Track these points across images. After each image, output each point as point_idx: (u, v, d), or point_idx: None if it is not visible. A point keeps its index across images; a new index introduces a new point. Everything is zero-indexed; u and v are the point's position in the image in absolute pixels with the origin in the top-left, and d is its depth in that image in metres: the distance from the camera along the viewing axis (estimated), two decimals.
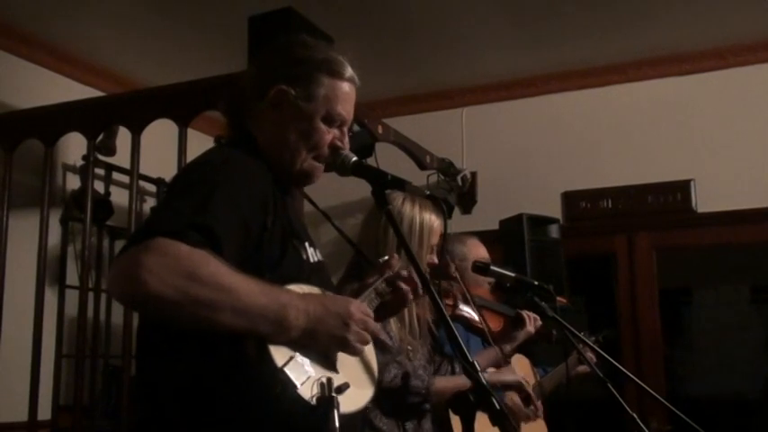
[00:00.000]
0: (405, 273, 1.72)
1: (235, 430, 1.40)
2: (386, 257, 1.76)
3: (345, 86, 1.72)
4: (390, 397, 2.14)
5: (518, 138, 4.93)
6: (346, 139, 1.72)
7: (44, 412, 3.67)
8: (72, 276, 4.17)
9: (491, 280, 3.04)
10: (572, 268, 4.38)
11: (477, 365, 1.42)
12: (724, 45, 4.44)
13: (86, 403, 3.63)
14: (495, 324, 2.90)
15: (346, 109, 1.71)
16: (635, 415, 2.08)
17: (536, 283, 2.51)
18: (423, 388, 2.20)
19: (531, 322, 2.88)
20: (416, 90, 5.06)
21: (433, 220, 2.34)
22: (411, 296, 1.72)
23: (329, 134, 1.68)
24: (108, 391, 4.03)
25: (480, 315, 2.70)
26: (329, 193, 4.28)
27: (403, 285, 1.70)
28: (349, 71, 1.73)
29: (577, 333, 2.44)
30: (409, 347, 2.30)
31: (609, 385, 2.15)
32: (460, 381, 2.31)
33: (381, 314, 1.65)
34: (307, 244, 1.63)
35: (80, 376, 3.50)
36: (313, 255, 1.64)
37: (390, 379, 2.14)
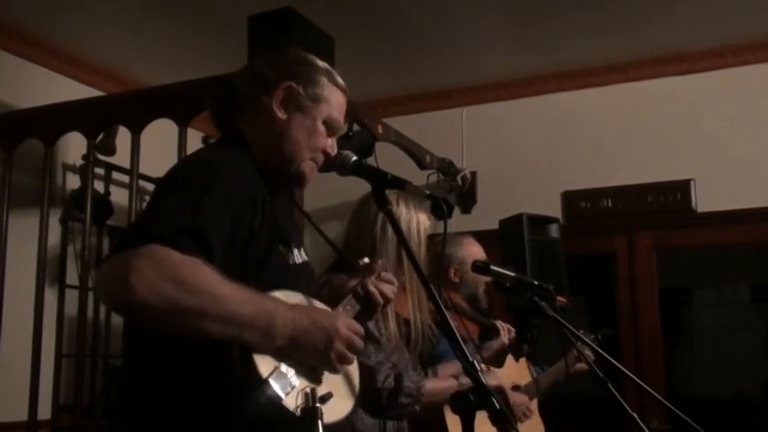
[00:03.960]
0: (384, 276, 1.74)
1: None
2: (365, 259, 1.77)
3: (342, 96, 1.75)
4: (383, 398, 2.12)
5: (518, 138, 4.93)
6: (335, 149, 1.74)
7: (44, 412, 3.67)
8: (72, 276, 4.17)
9: (488, 279, 3.04)
10: (572, 268, 4.37)
11: (476, 365, 1.42)
12: (724, 45, 4.44)
13: (86, 403, 3.63)
14: (470, 331, 2.91)
15: (341, 118, 1.75)
16: (635, 414, 2.08)
17: (536, 282, 2.51)
18: (414, 389, 2.19)
19: (506, 333, 2.89)
20: (416, 90, 5.05)
21: (425, 220, 2.33)
22: (380, 301, 1.73)
23: (326, 139, 1.71)
24: (108, 391, 4.03)
25: (461, 321, 2.70)
26: (329, 193, 4.32)
27: (372, 292, 1.71)
28: (343, 82, 1.76)
29: (576, 332, 2.44)
30: (398, 348, 2.29)
31: (609, 385, 2.14)
32: (444, 384, 2.31)
33: (360, 318, 1.66)
34: (293, 245, 1.64)
35: (80, 376, 3.50)
36: (298, 256, 1.65)
37: (383, 380, 2.12)
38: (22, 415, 3.51)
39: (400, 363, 2.25)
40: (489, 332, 2.90)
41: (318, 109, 1.69)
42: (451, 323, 1.49)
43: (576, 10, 4.04)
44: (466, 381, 2.25)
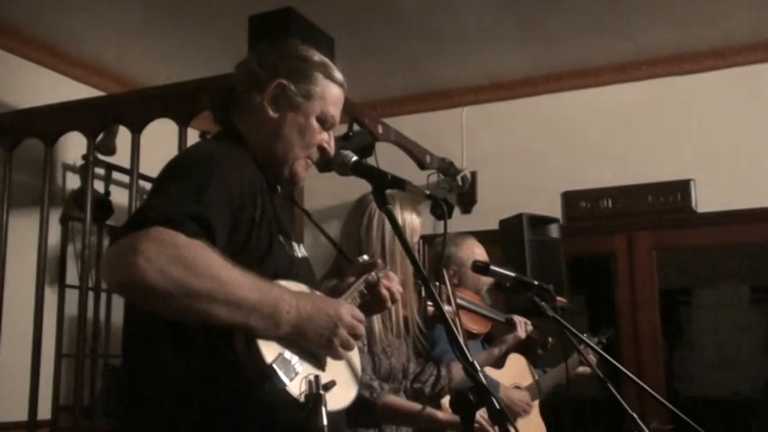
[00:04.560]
0: (386, 277, 1.74)
1: (223, 426, 1.40)
2: (365, 257, 1.77)
3: (338, 90, 1.74)
4: None
5: (519, 138, 4.93)
6: (333, 143, 1.73)
7: (44, 412, 3.67)
8: (72, 276, 4.17)
9: (489, 280, 3.04)
10: (572, 268, 4.38)
11: (476, 365, 1.42)
12: (724, 45, 4.44)
13: (86, 403, 3.63)
14: (480, 326, 2.91)
15: (337, 113, 1.74)
16: (635, 415, 2.08)
17: (536, 282, 2.51)
18: (369, 399, 2.19)
19: (522, 327, 2.89)
20: (417, 90, 5.06)
21: (414, 219, 2.34)
22: (390, 301, 1.75)
23: (320, 134, 1.70)
24: (108, 391, 4.03)
25: (459, 318, 2.70)
26: (329, 193, 4.32)
27: (384, 290, 1.72)
28: (340, 76, 1.75)
29: (578, 333, 2.44)
30: (388, 346, 2.29)
31: (609, 385, 2.14)
32: (406, 406, 2.29)
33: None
34: (292, 240, 1.64)
35: (80, 376, 3.50)
36: (298, 250, 1.65)
37: None
38: (22, 415, 3.51)
39: (381, 364, 2.25)
40: (505, 327, 2.91)
41: (311, 105, 1.67)
42: (451, 323, 1.49)
43: (576, 10, 4.03)
44: (429, 412, 2.27)
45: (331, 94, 1.71)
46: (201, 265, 1.31)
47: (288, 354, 1.38)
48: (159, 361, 1.46)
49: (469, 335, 2.82)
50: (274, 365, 1.34)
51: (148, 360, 1.48)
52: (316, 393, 1.35)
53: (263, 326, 1.36)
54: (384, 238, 2.25)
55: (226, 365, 1.37)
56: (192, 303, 1.31)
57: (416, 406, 2.32)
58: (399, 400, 2.31)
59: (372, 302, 1.74)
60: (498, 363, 3.05)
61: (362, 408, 2.16)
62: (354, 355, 1.58)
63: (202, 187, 1.41)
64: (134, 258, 1.28)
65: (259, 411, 1.37)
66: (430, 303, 2.39)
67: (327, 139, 1.72)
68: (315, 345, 1.44)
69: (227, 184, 1.46)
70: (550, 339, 3.07)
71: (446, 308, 2.68)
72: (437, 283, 2.67)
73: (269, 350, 1.36)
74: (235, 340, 1.36)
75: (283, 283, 1.46)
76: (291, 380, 1.35)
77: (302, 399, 1.35)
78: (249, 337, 1.35)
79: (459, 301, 2.72)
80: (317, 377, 1.38)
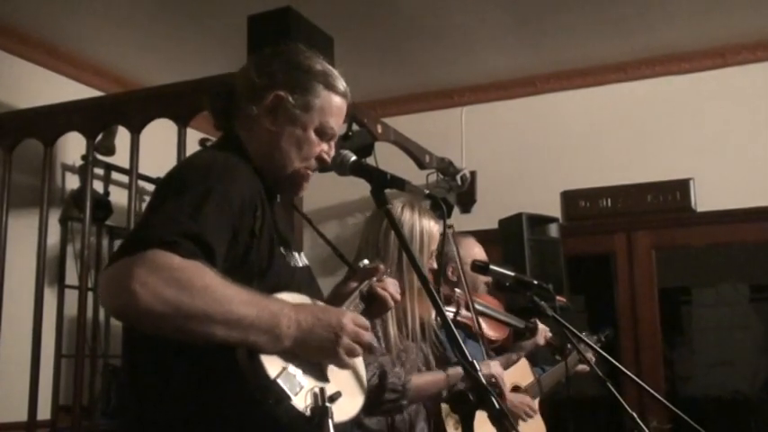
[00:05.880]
0: (387, 279, 1.74)
1: None
2: (365, 261, 1.77)
3: (339, 101, 1.69)
4: (368, 396, 2.13)
5: (518, 137, 4.93)
6: (333, 153, 1.71)
7: (44, 412, 3.67)
8: (72, 276, 4.17)
9: (488, 279, 3.05)
10: (571, 268, 4.38)
11: (476, 365, 1.42)
12: (724, 45, 4.44)
13: (86, 403, 3.63)
14: (499, 333, 2.90)
15: (338, 123, 1.70)
16: (635, 414, 2.08)
17: (535, 282, 2.51)
18: (399, 385, 2.19)
19: (541, 333, 2.89)
20: (416, 90, 5.06)
21: (432, 226, 2.33)
22: (391, 303, 1.75)
23: (319, 146, 1.67)
24: (108, 391, 4.03)
25: (478, 323, 2.69)
26: (329, 194, 4.32)
27: (382, 291, 1.72)
28: (343, 85, 1.70)
29: (578, 333, 2.44)
30: (403, 351, 2.29)
31: (609, 384, 2.15)
32: (431, 377, 2.30)
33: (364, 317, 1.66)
34: (293, 249, 1.63)
35: (80, 376, 3.50)
36: (299, 259, 1.65)
37: (368, 378, 2.12)
38: (22, 415, 3.51)
39: (387, 362, 2.25)
40: (525, 332, 2.91)
41: (309, 117, 1.64)
42: (450, 322, 1.49)
43: (575, 10, 4.04)
44: (454, 372, 2.26)
45: (331, 105, 1.67)
46: (197, 286, 1.30)
47: (292, 368, 1.37)
48: (162, 380, 1.45)
49: (488, 342, 2.81)
50: (278, 380, 1.33)
51: (149, 365, 1.48)
52: (322, 406, 1.34)
53: (263, 341, 1.34)
54: (415, 245, 2.24)
55: (229, 382, 1.36)
56: (189, 325, 1.30)
57: (441, 373, 2.31)
58: (423, 376, 2.31)
59: (375, 305, 1.73)
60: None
61: (395, 394, 2.15)
62: (360, 364, 1.57)
63: (201, 202, 1.39)
64: (129, 283, 1.27)
65: (265, 427, 1.36)
66: (452, 309, 2.37)
67: (327, 150, 1.68)
68: (318, 356, 1.43)
69: (227, 197, 1.44)
70: (569, 345, 3.08)
71: (463, 312, 2.69)
72: (456, 290, 2.69)
73: (272, 365, 1.35)
74: (237, 356, 1.34)
75: (284, 295, 1.45)
76: (296, 394, 1.34)
77: (308, 412, 1.34)
78: (252, 353, 1.34)
79: (477, 306, 2.72)
80: (322, 389, 1.37)
